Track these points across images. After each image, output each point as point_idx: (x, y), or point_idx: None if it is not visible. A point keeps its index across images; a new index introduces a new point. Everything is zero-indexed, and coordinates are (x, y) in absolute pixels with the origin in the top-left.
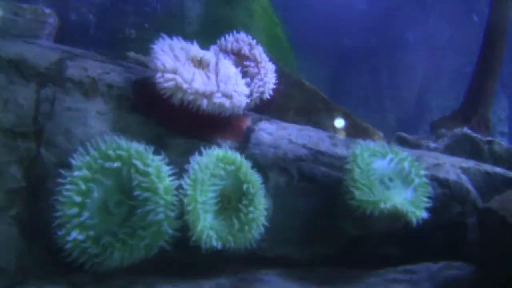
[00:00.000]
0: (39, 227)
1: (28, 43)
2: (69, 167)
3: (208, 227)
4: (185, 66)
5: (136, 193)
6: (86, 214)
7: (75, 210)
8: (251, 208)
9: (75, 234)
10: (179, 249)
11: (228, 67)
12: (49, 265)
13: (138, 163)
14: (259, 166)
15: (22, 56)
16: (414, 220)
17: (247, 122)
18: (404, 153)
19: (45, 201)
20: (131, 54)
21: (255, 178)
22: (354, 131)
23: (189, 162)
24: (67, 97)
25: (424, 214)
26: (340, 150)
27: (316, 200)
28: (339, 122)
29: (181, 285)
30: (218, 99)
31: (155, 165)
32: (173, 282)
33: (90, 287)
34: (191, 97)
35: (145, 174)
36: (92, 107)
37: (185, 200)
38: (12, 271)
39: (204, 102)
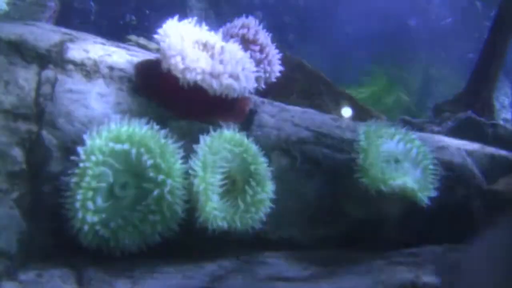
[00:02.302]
0: (41, 210)
1: (28, 25)
2: (75, 150)
3: (215, 208)
4: (191, 48)
5: (151, 174)
6: (99, 197)
7: (90, 193)
8: (258, 189)
9: (90, 217)
10: (182, 232)
11: (235, 50)
12: (51, 248)
13: (154, 145)
14: (261, 148)
15: (22, 37)
16: (423, 200)
17: (250, 105)
18: (412, 135)
19: (47, 184)
20: (133, 37)
21: (262, 160)
22: (357, 114)
23: (191, 145)
24: (69, 78)
25: (433, 194)
26: (343, 133)
27: (320, 183)
28: (342, 105)
29: (183, 267)
30: (226, 80)
31: (170, 148)
32: (175, 264)
33: (92, 269)
34: (198, 77)
35: (162, 156)
36: (93, 89)
37: (195, 181)
38: (14, 253)
39: (214, 82)
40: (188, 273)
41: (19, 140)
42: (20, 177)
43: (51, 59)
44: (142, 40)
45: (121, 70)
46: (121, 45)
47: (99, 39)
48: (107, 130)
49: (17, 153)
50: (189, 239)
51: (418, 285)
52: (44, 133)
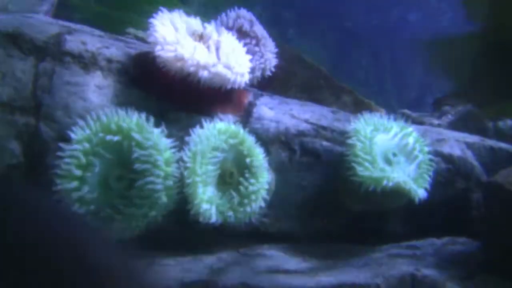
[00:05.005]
0: None
1: (26, 17)
2: (68, 141)
3: (206, 200)
4: (185, 39)
5: (136, 165)
6: (86, 188)
7: (75, 183)
8: (252, 181)
9: (75, 208)
10: (181, 225)
11: (230, 41)
12: None
13: (137, 136)
14: (260, 140)
15: (20, 29)
16: (416, 198)
17: (249, 97)
18: (409, 128)
19: (44, 176)
20: (130, 30)
21: (258, 152)
22: (357, 107)
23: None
24: (66, 71)
25: (425, 194)
26: (343, 125)
27: (319, 175)
28: (342, 99)
29: (183, 259)
30: (220, 70)
31: (155, 138)
32: (174, 257)
33: None
34: (191, 69)
35: (144, 147)
36: (91, 81)
37: (185, 173)
38: None
39: (205, 73)
40: (187, 266)
41: (16, 133)
42: (18, 170)
43: (48, 51)
44: (140, 33)
45: (119, 62)
46: (119, 37)
47: (97, 32)
48: (96, 120)
49: (15, 146)
50: (188, 232)
51: (418, 278)
52: (42, 125)
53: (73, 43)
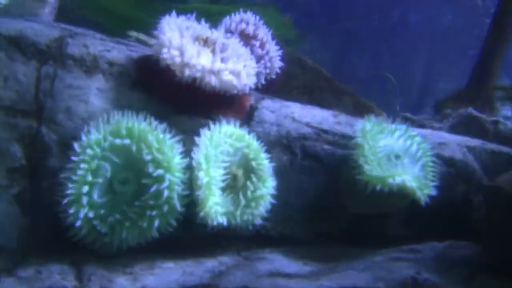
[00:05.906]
0: (41, 205)
1: (28, 20)
2: (74, 145)
3: (216, 203)
4: (191, 44)
5: (150, 169)
6: (96, 192)
7: (86, 188)
8: (259, 184)
9: (85, 212)
10: (184, 228)
11: (236, 46)
12: (51, 244)
13: (152, 139)
14: (262, 144)
15: (22, 33)
16: (422, 198)
17: (251, 101)
18: (413, 131)
19: (46, 180)
20: (132, 33)
21: (264, 155)
22: (358, 110)
23: (192, 140)
24: (68, 74)
25: (432, 192)
26: (344, 129)
27: (320, 179)
28: (343, 101)
29: (184, 263)
30: (226, 76)
31: (169, 143)
32: (176, 260)
33: (92, 265)
34: (198, 74)
35: (160, 151)
36: (93, 84)
37: (199, 174)
38: (14, 249)
39: (212, 78)
40: (188, 269)
41: (18, 136)
42: (19, 173)
43: (50, 54)
44: (142, 36)
45: (120, 65)
46: (121, 40)
47: (98, 35)
48: (105, 124)
49: (17, 149)
50: (190, 235)
51: (419, 281)
52: (44, 129)
53: (75, 46)
